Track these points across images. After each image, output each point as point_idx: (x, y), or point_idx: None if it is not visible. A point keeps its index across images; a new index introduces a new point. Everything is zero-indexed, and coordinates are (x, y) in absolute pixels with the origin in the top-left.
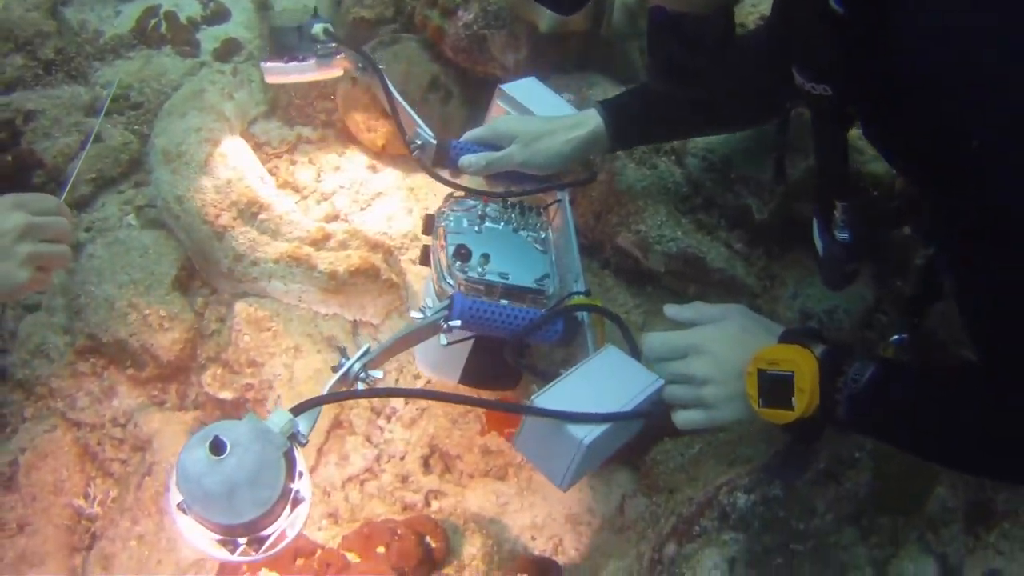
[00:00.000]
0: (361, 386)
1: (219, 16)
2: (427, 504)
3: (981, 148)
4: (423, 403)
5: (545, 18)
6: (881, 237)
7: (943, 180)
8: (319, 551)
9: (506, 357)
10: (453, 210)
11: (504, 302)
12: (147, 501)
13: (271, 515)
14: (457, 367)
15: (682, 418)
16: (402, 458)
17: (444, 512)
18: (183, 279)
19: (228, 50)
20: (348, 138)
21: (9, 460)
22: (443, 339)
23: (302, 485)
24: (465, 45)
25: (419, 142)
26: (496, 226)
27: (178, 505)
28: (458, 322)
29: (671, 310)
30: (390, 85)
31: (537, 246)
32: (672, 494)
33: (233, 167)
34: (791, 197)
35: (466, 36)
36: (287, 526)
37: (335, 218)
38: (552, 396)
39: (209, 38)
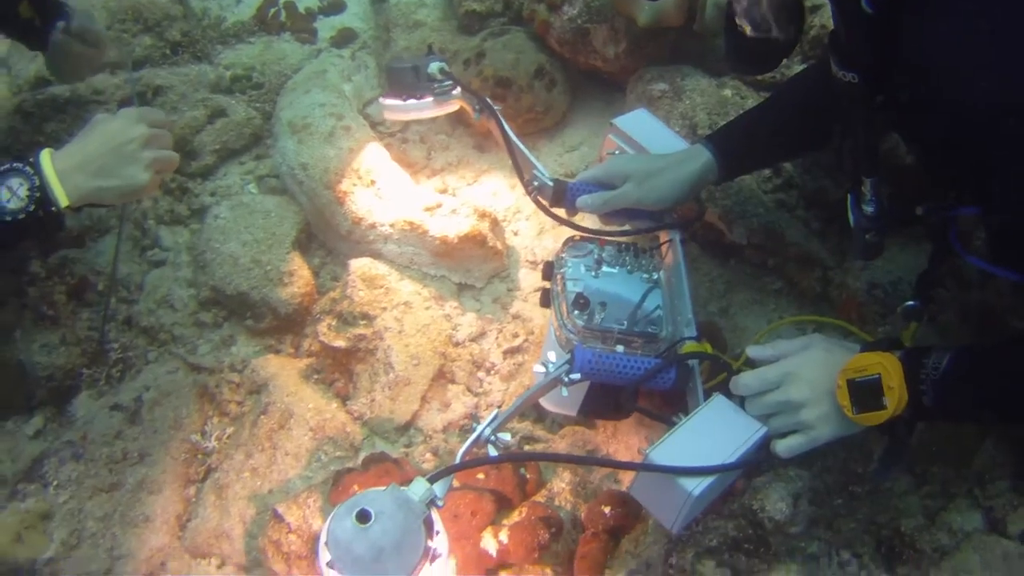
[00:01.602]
0: (492, 451)
1: (335, 7)
2: (521, 448)
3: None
4: (519, 358)
5: (643, 13)
6: (905, 212)
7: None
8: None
9: (622, 403)
10: (571, 256)
11: (620, 348)
12: (262, 437)
13: (413, 574)
14: (576, 402)
15: (783, 446)
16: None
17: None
18: (302, 240)
19: (344, 38)
20: (457, 119)
21: (134, 397)
22: (564, 391)
23: (439, 542)
24: (569, 37)
25: (536, 183)
26: (612, 270)
27: (328, 562)
28: (578, 375)
29: (754, 351)
30: (507, 127)
31: (650, 286)
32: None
33: (354, 139)
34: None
35: (570, 29)
36: None
37: (444, 191)
38: (664, 450)
39: (326, 27)
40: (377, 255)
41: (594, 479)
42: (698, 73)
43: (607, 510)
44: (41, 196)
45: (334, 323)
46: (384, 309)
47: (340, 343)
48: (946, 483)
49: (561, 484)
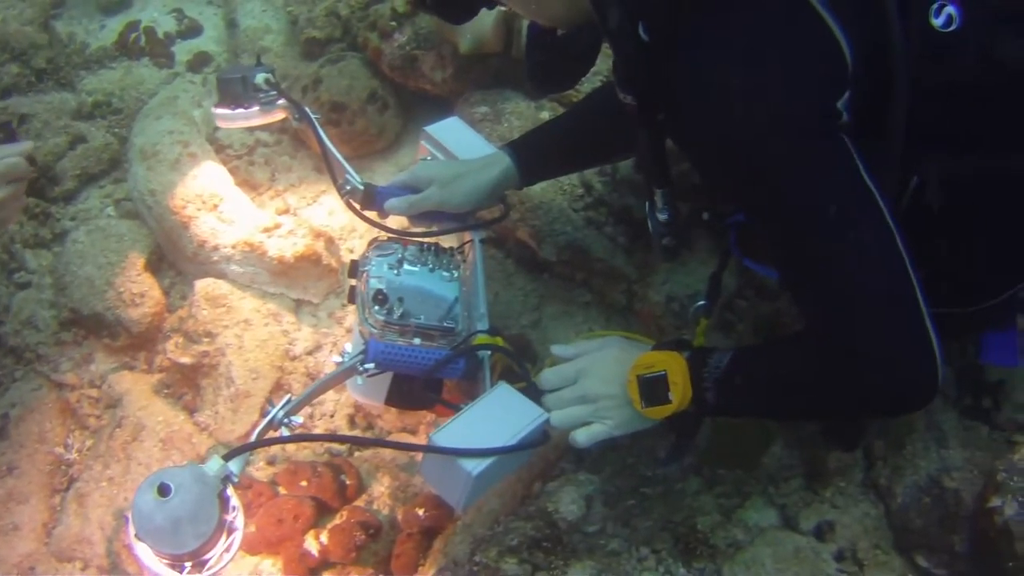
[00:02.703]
0: (284, 431)
1: (192, 31)
2: (351, 454)
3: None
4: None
5: (465, 40)
6: (696, 220)
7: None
8: (252, 485)
9: (418, 391)
10: (376, 255)
11: (417, 340)
12: (117, 449)
13: (210, 543)
14: (382, 392)
15: (583, 434)
16: (331, 416)
17: (364, 460)
18: (153, 262)
19: (200, 62)
20: (299, 142)
21: (1, 413)
22: (360, 380)
23: (236, 516)
24: (399, 63)
25: (348, 187)
26: (414, 268)
27: (135, 535)
28: (372, 365)
29: (557, 349)
30: (322, 133)
31: (450, 284)
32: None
33: (199, 165)
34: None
35: (400, 56)
36: (224, 550)
37: (285, 212)
38: (448, 433)
39: (183, 51)
40: (221, 275)
41: (415, 484)
42: (517, 96)
43: (421, 512)
44: None
45: (181, 341)
46: (226, 327)
47: (186, 359)
48: (738, 483)
49: (381, 489)
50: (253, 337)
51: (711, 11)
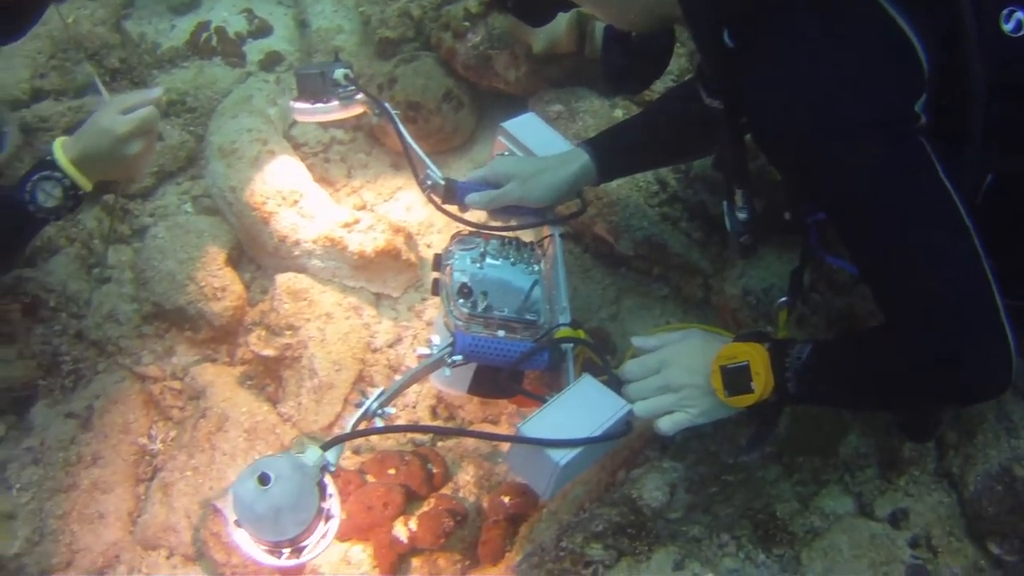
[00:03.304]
0: (379, 422)
1: (263, 31)
2: (433, 444)
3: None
4: None
5: (538, 41)
6: (773, 218)
7: (791, 178)
8: (341, 473)
9: (502, 382)
10: (459, 249)
11: (501, 332)
12: (201, 439)
13: (309, 531)
14: (465, 382)
15: (667, 423)
16: (414, 407)
17: (449, 449)
18: (234, 257)
19: (271, 61)
20: (375, 140)
21: (85, 405)
22: (447, 371)
23: (333, 503)
24: (473, 63)
25: (429, 182)
26: (496, 262)
27: (235, 521)
28: (460, 357)
29: (639, 340)
30: (403, 129)
31: (532, 277)
32: (626, 437)
33: (278, 162)
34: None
35: (474, 55)
36: (322, 536)
37: (362, 208)
38: (535, 424)
39: (254, 51)
40: (302, 269)
41: (498, 472)
42: (592, 95)
43: (507, 500)
44: (72, 194)
45: (263, 334)
46: (308, 320)
47: (269, 352)
48: (815, 471)
49: (466, 477)
50: (335, 330)
51: (792, 20)
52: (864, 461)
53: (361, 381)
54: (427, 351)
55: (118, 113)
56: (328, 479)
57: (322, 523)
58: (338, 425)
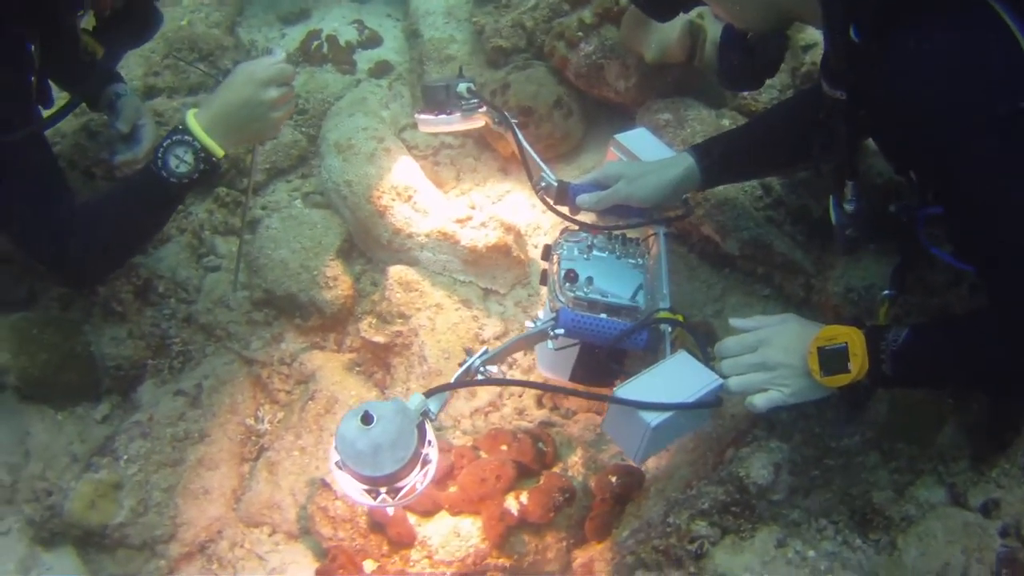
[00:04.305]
0: (480, 378)
1: (373, 41)
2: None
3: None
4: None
5: (650, 50)
6: (881, 212)
7: (917, 170)
8: (454, 449)
9: (603, 363)
10: (567, 241)
11: (604, 316)
12: (309, 421)
13: (405, 471)
14: (567, 369)
15: (761, 400)
16: (520, 395)
17: (557, 433)
18: (345, 249)
19: (381, 70)
20: (483, 145)
21: (194, 383)
22: (551, 344)
23: (431, 451)
24: (585, 72)
25: (543, 183)
26: (602, 254)
27: (336, 463)
28: (562, 330)
29: (738, 321)
30: (520, 136)
31: (636, 270)
32: (733, 417)
33: (393, 159)
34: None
35: (586, 64)
36: (418, 481)
37: (472, 207)
38: (630, 388)
39: (364, 59)
40: (414, 262)
41: (604, 457)
42: (699, 104)
43: (614, 480)
44: (205, 158)
45: (374, 321)
46: (419, 310)
47: (379, 339)
48: (912, 460)
49: (575, 459)
50: (445, 320)
51: (913, 20)
52: (957, 452)
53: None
54: (531, 324)
55: (267, 84)
56: (428, 426)
57: (419, 467)
58: (445, 411)
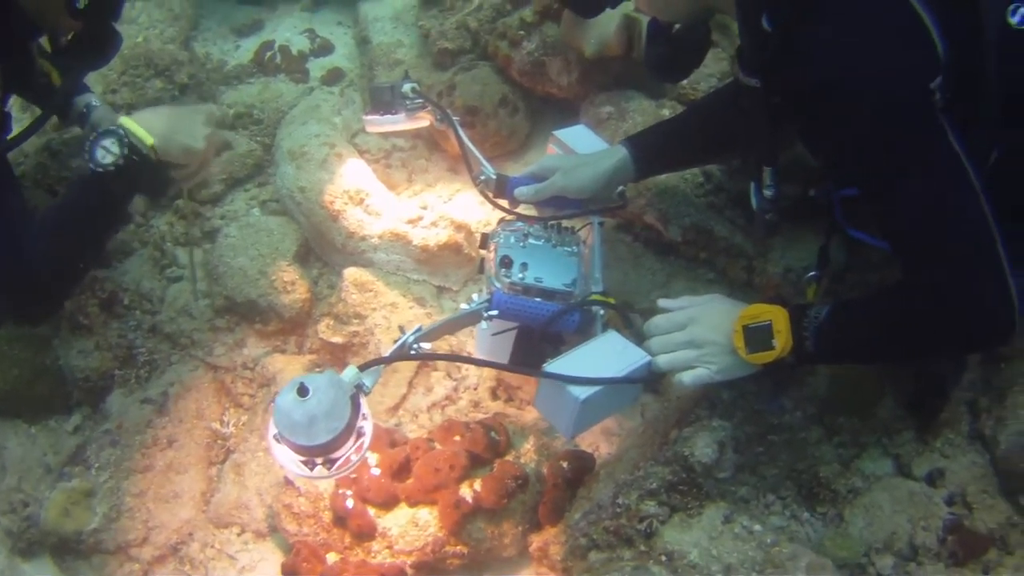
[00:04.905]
0: (413, 353)
1: (324, 49)
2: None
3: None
4: None
5: (590, 45)
6: (799, 195)
7: (822, 153)
8: (409, 441)
9: (538, 346)
10: (504, 230)
11: (538, 299)
12: None
13: (339, 441)
14: (506, 354)
15: (689, 376)
16: (475, 388)
17: (510, 421)
18: (302, 254)
19: (333, 77)
20: (434, 146)
21: (161, 391)
22: (484, 324)
23: (365, 424)
24: (528, 69)
25: (483, 177)
26: (538, 242)
27: (273, 436)
28: (495, 312)
29: (664, 301)
30: (460, 130)
31: (570, 258)
32: (678, 399)
33: (345, 164)
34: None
35: (529, 62)
36: (352, 452)
37: (423, 208)
38: (560, 365)
39: (317, 67)
40: (368, 264)
41: (556, 445)
42: (640, 96)
43: (565, 465)
44: (130, 144)
45: (332, 323)
46: (374, 309)
47: (337, 339)
48: (855, 433)
49: (527, 447)
50: (400, 318)
51: (822, 8)
52: (901, 424)
53: (425, 366)
54: (465, 306)
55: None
56: (363, 400)
57: (353, 439)
58: (403, 407)
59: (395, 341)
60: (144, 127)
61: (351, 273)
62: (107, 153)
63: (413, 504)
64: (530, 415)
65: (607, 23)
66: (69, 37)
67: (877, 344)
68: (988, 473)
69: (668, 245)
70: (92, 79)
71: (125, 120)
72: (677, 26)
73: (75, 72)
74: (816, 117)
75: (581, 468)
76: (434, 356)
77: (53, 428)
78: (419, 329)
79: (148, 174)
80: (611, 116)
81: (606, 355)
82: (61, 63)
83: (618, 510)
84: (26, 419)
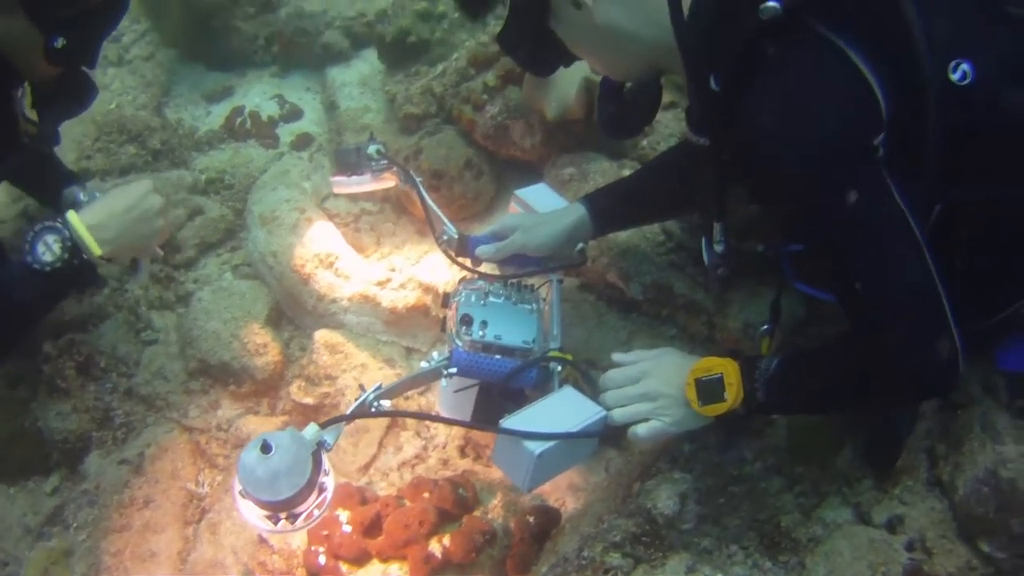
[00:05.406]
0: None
1: (294, 115)
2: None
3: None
4: None
5: (551, 108)
6: (747, 249)
7: (769, 209)
8: (379, 498)
9: (499, 403)
10: (465, 288)
11: (498, 357)
12: None
13: (302, 496)
14: (468, 411)
15: (643, 429)
16: (444, 447)
17: (478, 478)
18: (273, 317)
19: (303, 142)
20: (401, 209)
21: (138, 452)
22: (444, 382)
23: (327, 479)
24: (492, 132)
25: (445, 237)
26: (498, 300)
27: (239, 492)
28: (455, 369)
29: (618, 356)
30: (423, 190)
31: (530, 315)
32: (640, 452)
33: (315, 228)
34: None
35: (492, 126)
36: (314, 507)
37: (392, 270)
38: (517, 420)
39: (287, 132)
40: (339, 325)
41: (523, 500)
42: (601, 157)
43: (532, 519)
44: (73, 247)
45: (303, 384)
46: (344, 370)
47: (309, 400)
48: (815, 482)
49: (495, 503)
50: (370, 379)
51: (767, 68)
52: (860, 473)
53: (395, 426)
54: (426, 364)
55: (152, 191)
56: (325, 457)
57: (315, 494)
58: (374, 466)
59: (355, 400)
60: (95, 232)
61: (322, 335)
62: (47, 251)
63: (384, 559)
64: (497, 472)
65: (568, 87)
66: (46, 86)
67: (825, 394)
68: (947, 519)
69: (630, 303)
70: (66, 144)
71: (73, 219)
72: (629, 85)
73: (53, 119)
74: (761, 175)
75: (547, 522)
76: (394, 413)
77: (32, 489)
78: (379, 387)
79: (87, 276)
80: (573, 177)
81: (562, 410)
82: (41, 110)
83: (583, 563)
84: (5, 480)
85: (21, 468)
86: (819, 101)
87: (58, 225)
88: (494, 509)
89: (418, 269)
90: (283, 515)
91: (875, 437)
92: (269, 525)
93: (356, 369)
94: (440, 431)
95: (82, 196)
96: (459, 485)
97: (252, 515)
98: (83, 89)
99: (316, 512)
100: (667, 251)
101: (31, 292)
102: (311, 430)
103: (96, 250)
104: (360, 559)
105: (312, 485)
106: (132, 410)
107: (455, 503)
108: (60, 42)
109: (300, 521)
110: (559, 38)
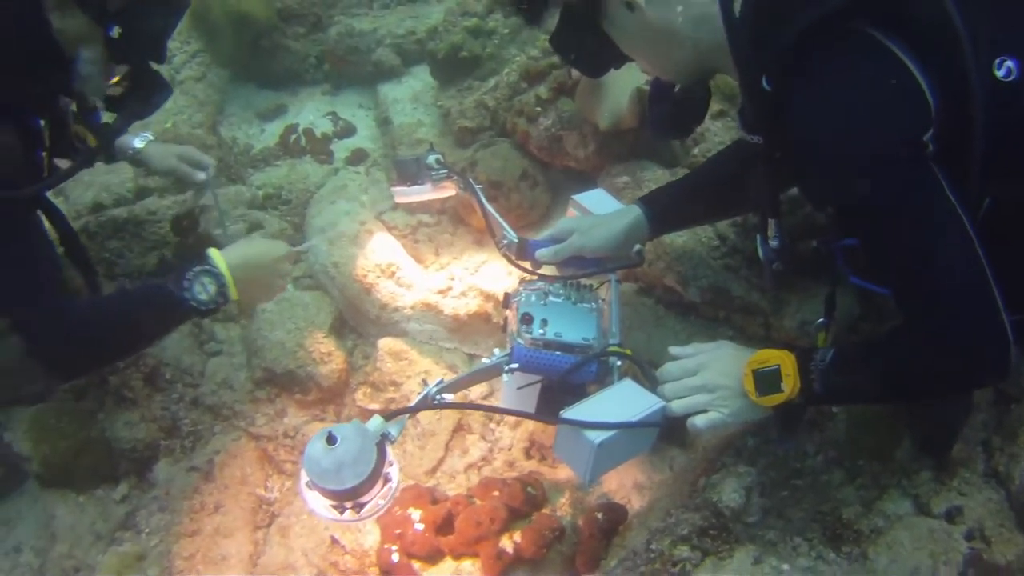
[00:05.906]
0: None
1: (347, 131)
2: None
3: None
4: None
5: (604, 118)
6: (802, 246)
7: (821, 206)
8: (451, 498)
9: (561, 398)
10: (525, 289)
11: (558, 353)
12: None
13: (366, 485)
14: (531, 407)
15: (702, 420)
16: (509, 449)
17: (545, 478)
18: (336, 326)
19: (357, 158)
20: (458, 220)
21: (207, 459)
22: (506, 378)
23: (391, 470)
24: (546, 144)
25: (505, 241)
26: (558, 300)
27: (305, 483)
28: (516, 364)
29: (675, 349)
30: (483, 199)
31: (589, 314)
32: (704, 448)
33: (375, 239)
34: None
35: (546, 137)
36: (379, 496)
37: (452, 279)
38: (577, 411)
39: (341, 149)
40: (402, 333)
41: (589, 499)
42: (655, 165)
43: (600, 515)
44: (223, 292)
45: (369, 391)
46: (409, 377)
47: (375, 406)
48: (876, 475)
49: (563, 501)
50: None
51: (817, 68)
52: (918, 465)
53: (460, 429)
54: (487, 360)
55: (287, 253)
56: (388, 448)
57: (381, 484)
58: (441, 468)
59: (418, 394)
60: (233, 279)
61: (386, 343)
62: (203, 291)
63: (457, 557)
64: (563, 472)
65: (620, 96)
66: (116, 88)
67: (880, 383)
68: (1004, 508)
69: (688, 306)
70: (124, 165)
71: (221, 263)
72: (678, 86)
73: (124, 119)
74: (813, 172)
75: (615, 518)
76: (456, 405)
77: (101, 498)
78: (441, 381)
79: (209, 315)
80: (627, 185)
81: (622, 401)
82: (110, 107)
83: (652, 556)
84: (75, 489)
85: (90, 477)
86: (869, 99)
87: (214, 270)
88: (562, 507)
89: (477, 278)
90: (348, 505)
91: (931, 428)
92: (335, 514)
93: (420, 375)
94: (505, 434)
95: (137, 142)
96: (528, 484)
97: (318, 505)
98: (154, 87)
99: (381, 502)
100: (722, 255)
101: (175, 322)
102: (375, 422)
103: (235, 296)
104: (433, 556)
105: (377, 475)
106: (199, 419)
107: (524, 501)
108: (116, 31)
109: (366, 511)
110: (611, 39)
